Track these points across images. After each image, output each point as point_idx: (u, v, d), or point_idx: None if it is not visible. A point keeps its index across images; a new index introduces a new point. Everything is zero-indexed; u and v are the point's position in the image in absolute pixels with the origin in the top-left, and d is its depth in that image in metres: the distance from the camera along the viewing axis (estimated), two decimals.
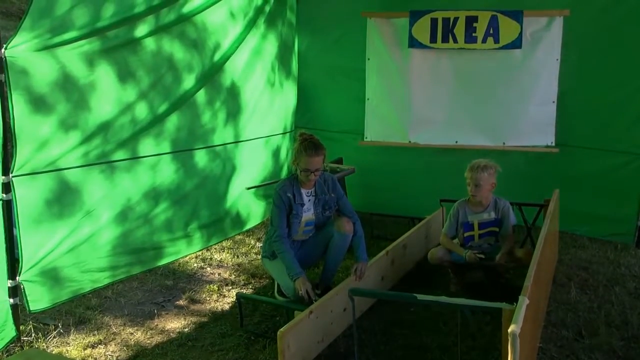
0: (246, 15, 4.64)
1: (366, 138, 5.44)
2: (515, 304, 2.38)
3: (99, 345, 3.17)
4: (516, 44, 4.79)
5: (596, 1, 4.59)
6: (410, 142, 5.26)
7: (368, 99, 5.38)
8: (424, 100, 5.20)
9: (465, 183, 3.74)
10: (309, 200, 3.55)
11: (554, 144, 4.88)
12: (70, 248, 3.41)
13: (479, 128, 5.06)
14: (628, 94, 4.57)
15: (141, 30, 3.65)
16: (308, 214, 3.56)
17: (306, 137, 3.45)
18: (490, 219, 3.73)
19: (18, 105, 2.98)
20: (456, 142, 5.13)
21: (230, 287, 3.98)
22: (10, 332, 3.06)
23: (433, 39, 5.00)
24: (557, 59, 4.77)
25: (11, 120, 2.95)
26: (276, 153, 5.43)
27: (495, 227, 3.74)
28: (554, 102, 4.83)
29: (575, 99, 4.76)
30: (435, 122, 5.19)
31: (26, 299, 3.16)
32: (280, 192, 3.47)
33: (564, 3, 4.68)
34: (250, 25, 4.70)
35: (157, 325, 3.44)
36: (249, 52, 4.78)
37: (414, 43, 5.07)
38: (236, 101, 4.73)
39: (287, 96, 5.51)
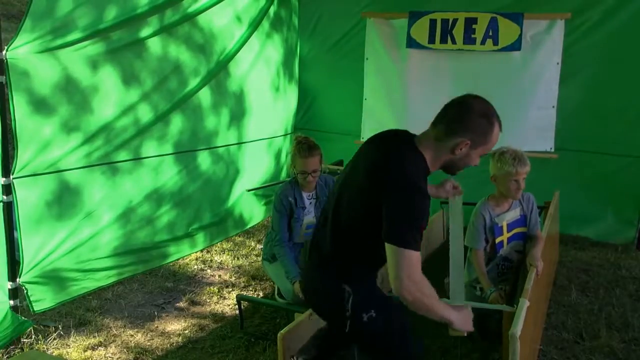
0: (250, 17, 4.65)
1: (363, 138, 5.43)
2: (515, 306, 2.37)
3: (99, 347, 3.17)
4: (515, 46, 4.74)
5: (599, 5, 4.55)
6: None
7: (365, 99, 5.39)
8: (419, 101, 5.15)
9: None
10: (310, 203, 3.55)
11: (553, 150, 4.80)
12: (71, 249, 3.41)
13: None
14: (630, 98, 4.52)
15: (144, 31, 3.66)
16: (309, 216, 3.55)
17: (300, 140, 3.44)
18: (517, 217, 3.14)
19: (19, 107, 2.98)
20: None
21: (231, 289, 3.98)
22: (14, 331, 3.05)
23: (431, 39, 4.97)
24: (558, 63, 4.71)
25: (12, 122, 2.96)
26: (277, 155, 5.44)
27: (523, 226, 3.16)
28: (554, 106, 4.77)
29: (576, 103, 4.70)
30: (430, 124, 5.15)
31: (29, 300, 3.16)
32: (281, 196, 3.47)
33: (566, 6, 4.64)
34: (254, 26, 4.71)
35: (157, 327, 3.43)
36: (253, 55, 4.80)
37: (412, 43, 5.05)
38: (239, 103, 4.75)
39: (289, 98, 5.53)
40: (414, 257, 1.91)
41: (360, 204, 2.00)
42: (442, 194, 2.58)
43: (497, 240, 3.08)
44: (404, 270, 1.88)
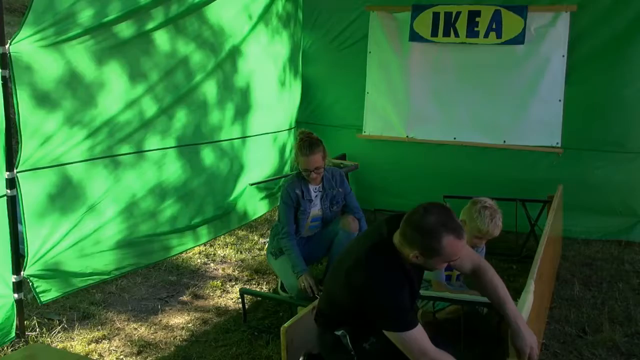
0: (256, 11, 4.65)
1: (365, 132, 5.42)
2: (518, 299, 2.38)
3: (103, 340, 3.18)
4: (519, 39, 4.68)
5: None
6: (407, 137, 5.23)
7: (368, 93, 5.38)
8: (422, 95, 5.14)
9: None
10: (317, 195, 3.55)
11: (559, 145, 4.72)
12: (75, 242, 3.42)
13: (478, 125, 4.96)
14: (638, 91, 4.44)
15: (148, 25, 3.65)
16: (315, 209, 3.56)
17: (302, 137, 3.45)
18: None
19: (23, 101, 2.98)
20: (454, 138, 5.05)
21: (234, 283, 3.99)
22: (15, 326, 3.07)
23: (434, 32, 4.95)
24: (564, 55, 4.62)
25: (16, 116, 2.96)
26: (281, 149, 5.44)
27: None
28: (560, 100, 4.67)
29: (582, 97, 4.61)
30: (433, 117, 5.13)
31: (35, 292, 3.17)
32: (288, 189, 3.47)
33: None
34: (260, 20, 4.70)
35: (160, 320, 3.45)
36: (259, 49, 4.79)
37: (414, 37, 5.03)
38: (244, 98, 4.74)
39: (294, 93, 5.52)
40: (417, 334, 2.02)
41: (342, 301, 2.19)
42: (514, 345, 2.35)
43: (446, 273, 3.15)
44: (416, 351, 2.01)
